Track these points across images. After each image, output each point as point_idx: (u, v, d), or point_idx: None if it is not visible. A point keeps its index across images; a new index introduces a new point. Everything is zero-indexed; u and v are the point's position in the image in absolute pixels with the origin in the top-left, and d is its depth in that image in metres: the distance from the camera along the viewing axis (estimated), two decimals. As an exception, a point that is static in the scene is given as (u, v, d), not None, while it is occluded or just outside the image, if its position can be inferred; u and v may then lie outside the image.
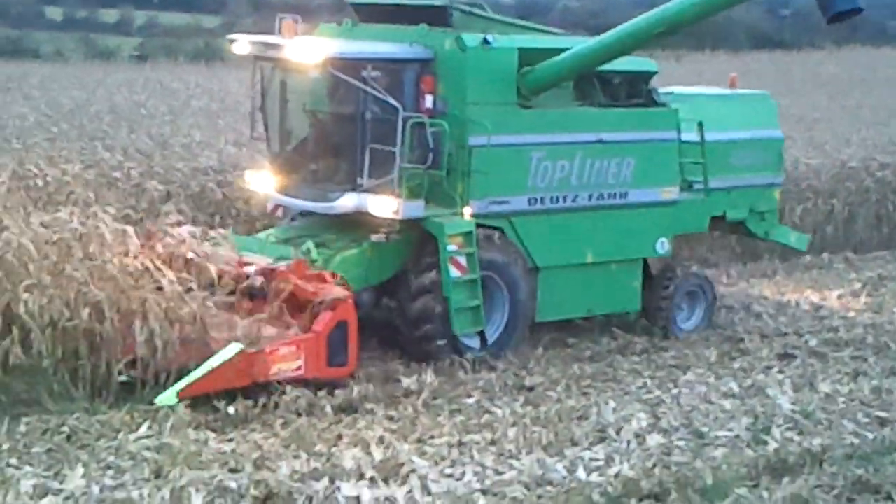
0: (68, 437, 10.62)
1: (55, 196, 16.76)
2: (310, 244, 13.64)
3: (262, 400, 11.84)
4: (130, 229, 12.62)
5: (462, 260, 13.60)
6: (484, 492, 10.04)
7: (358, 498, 9.76)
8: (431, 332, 13.59)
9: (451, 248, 13.54)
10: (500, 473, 10.48)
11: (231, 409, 11.53)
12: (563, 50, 14.28)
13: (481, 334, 13.91)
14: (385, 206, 13.61)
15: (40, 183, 16.96)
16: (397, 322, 13.86)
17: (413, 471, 10.34)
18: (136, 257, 12.06)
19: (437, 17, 14.42)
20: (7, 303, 11.20)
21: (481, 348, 13.89)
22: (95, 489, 9.54)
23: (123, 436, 10.70)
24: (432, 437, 11.28)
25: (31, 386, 11.17)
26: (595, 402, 12.57)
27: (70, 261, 11.71)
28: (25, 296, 11.23)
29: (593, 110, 15.04)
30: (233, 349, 11.67)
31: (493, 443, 11.21)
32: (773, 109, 17.44)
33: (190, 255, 12.46)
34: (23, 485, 9.48)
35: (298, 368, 12.13)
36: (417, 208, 13.68)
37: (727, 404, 12.63)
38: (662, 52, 53.69)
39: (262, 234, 14.90)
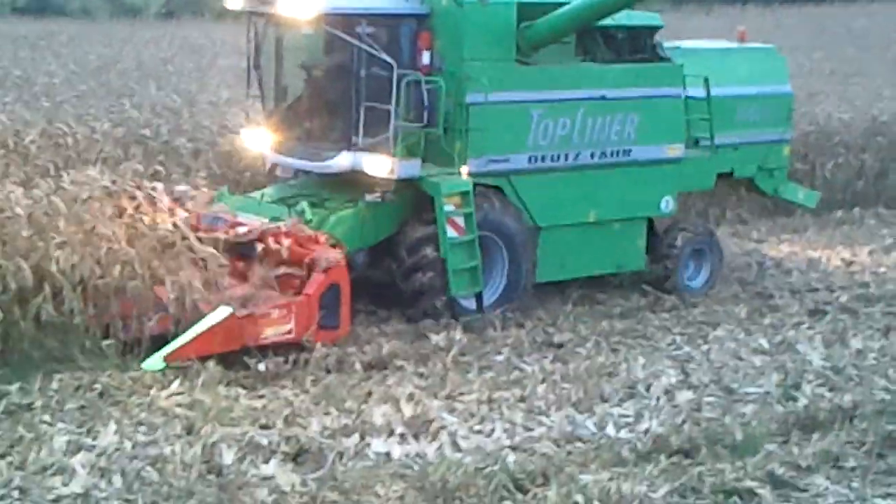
0: (101, 394, 10.69)
1: (84, 154, 16.83)
2: (304, 204, 13.45)
3: (292, 356, 11.91)
4: (160, 186, 12.70)
5: (459, 220, 13.36)
6: (513, 448, 10.08)
7: (388, 454, 9.83)
8: (428, 292, 13.37)
9: (449, 208, 13.28)
10: (529, 430, 10.54)
11: (262, 366, 11.60)
12: (563, 4, 14.00)
13: (478, 296, 13.66)
14: (380, 165, 13.36)
15: (70, 141, 17.02)
16: (395, 282, 13.60)
17: (443, 427, 10.40)
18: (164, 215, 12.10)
19: None
20: (38, 260, 11.26)
21: (478, 310, 13.64)
22: (128, 445, 9.63)
23: (155, 392, 10.77)
24: (462, 394, 11.32)
25: (64, 343, 11.24)
26: (624, 359, 12.59)
27: (101, 219, 11.77)
28: (57, 253, 11.28)
29: (595, 66, 14.76)
30: (222, 312, 11.49)
31: (522, 399, 11.25)
32: (781, 64, 17.11)
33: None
34: (56, 441, 9.58)
35: (289, 332, 11.96)
36: (413, 167, 13.43)
37: (757, 360, 12.64)
38: (692, 6, 53.39)
39: (256, 193, 14.61)
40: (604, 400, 11.33)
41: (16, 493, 8.70)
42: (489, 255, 13.83)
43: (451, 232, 13.29)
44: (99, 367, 11.10)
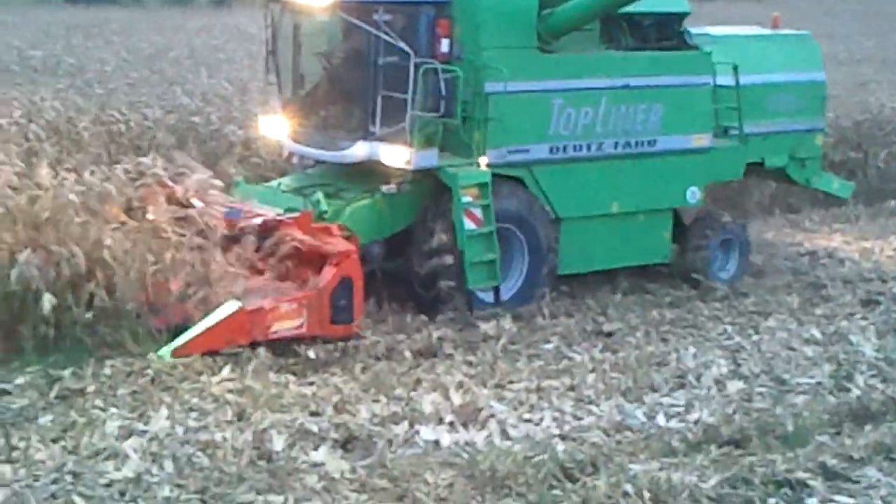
0: (152, 380, 10.73)
1: (136, 141, 16.94)
2: (319, 195, 13.09)
3: (341, 344, 11.94)
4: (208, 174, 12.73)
5: (477, 212, 13.04)
6: (563, 437, 10.05)
7: (437, 442, 9.83)
8: (444, 285, 13.13)
9: (466, 199, 12.96)
10: (578, 419, 10.50)
11: (311, 353, 11.63)
12: None
13: (496, 289, 13.37)
14: (397, 155, 13.07)
15: (122, 128, 17.13)
16: (410, 274, 13.34)
17: (492, 415, 10.38)
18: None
19: None
20: (91, 246, 11.34)
21: (495, 303, 13.35)
22: (179, 430, 9.68)
23: (206, 378, 10.82)
24: (511, 382, 11.29)
25: (116, 329, 11.32)
26: (674, 348, 12.51)
27: (153, 206, 11.82)
28: (109, 240, 11.38)
29: (619, 54, 14.42)
30: (231, 307, 11.34)
31: (571, 388, 11.20)
32: (815, 51, 16.49)
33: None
34: (108, 426, 9.65)
35: (300, 326, 11.72)
36: (430, 158, 13.13)
37: (809, 351, 12.52)
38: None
39: (274, 183, 14.44)
40: (654, 389, 11.27)
41: (69, 478, 8.76)
42: (509, 248, 13.58)
43: (468, 224, 13.00)
44: (150, 353, 11.17)
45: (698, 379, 11.56)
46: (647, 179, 14.53)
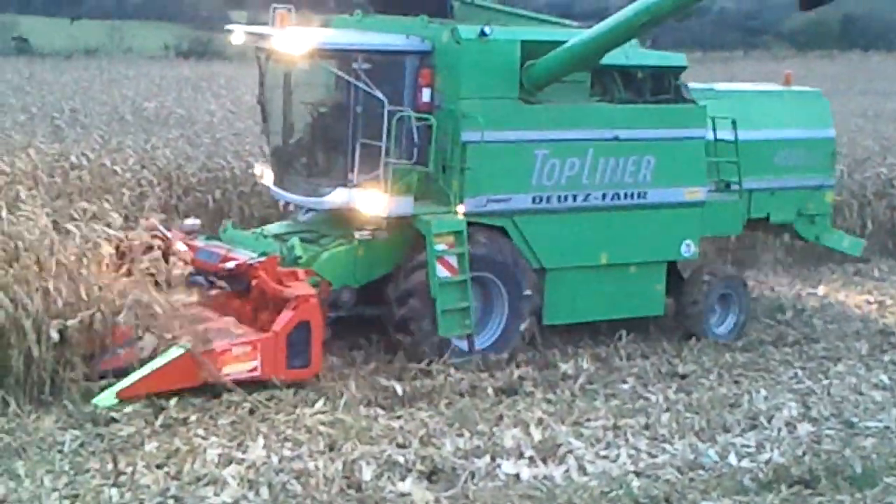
0: (251, 411, 10.86)
1: (241, 187, 17.16)
2: (295, 240, 12.74)
3: (428, 381, 11.96)
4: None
5: (452, 260, 12.42)
6: (637, 474, 9.96)
7: (517, 475, 9.78)
8: (416, 333, 12.50)
9: (440, 247, 12.35)
10: (653, 457, 10.40)
11: (399, 389, 11.65)
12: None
13: (469, 337, 12.67)
14: (373, 202, 12.55)
15: (227, 175, 17.36)
16: (387, 320, 12.76)
17: (570, 451, 10.31)
18: None
19: (438, 8, 13.36)
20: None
21: (470, 351, 12.67)
22: (275, 459, 9.76)
23: (300, 411, 10.91)
24: (588, 420, 11.22)
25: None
26: (747, 391, 12.36)
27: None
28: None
29: (607, 106, 13.66)
30: (176, 351, 10.89)
31: (646, 427, 11.11)
32: (824, 107, 15.63)
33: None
34: (209, 454, 9.76)
35: (254, 369, 11.22)
36: (406, 205, 12.57)
37: (877, 395, 12.31)
38: (818, 52, 52.54)
39: (267, 228, 13.92)
40: (726, 430, 11.13)
41: (171, 502, 8.87)
42: (489, 296, 13.04)
43: (442, 271, 12.38)
44: (248, 388, 11.23)
45: (769, 421, 11.40)
46: (637, 231, 13.77)
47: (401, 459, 9.84)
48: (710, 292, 14.39)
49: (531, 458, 10.12)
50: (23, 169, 15.74)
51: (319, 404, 11.08)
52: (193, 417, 10.60)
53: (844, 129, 24.40)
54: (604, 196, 13.49)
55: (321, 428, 10.49)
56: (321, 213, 13.57)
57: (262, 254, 12.41)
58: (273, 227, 13.88)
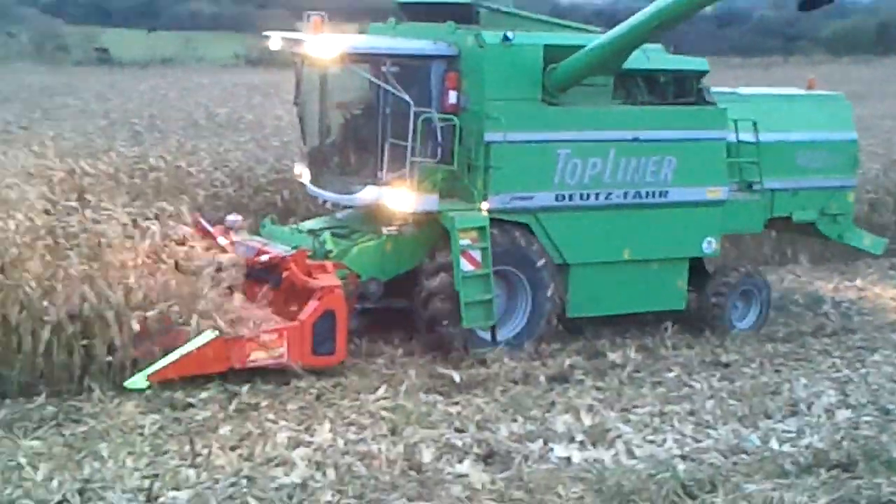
0: (317, 397, 10.94)
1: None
2: (326, 235, 12.88)
3: (484, 369, 11.97)
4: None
5: (476, 254, 12.40)
6: (683, 457, 9.92)
7: (569, 459, 9.78)
8: (442, 323, 12.46)
9: (465, 242, 12.32)
10: (698, 441, 10.35)
11: (456, 377, 11.66)
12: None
13: (492, 328, 12.60)
14: (400, 199, 12.60)
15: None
16: (414, 313, 12.76)
17: (619, 436, 10.30)
18: None
19: (465, 14, 13.32)
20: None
21: (492, 342, 12.61)
22: (340, 442, 9.82)
23: (364, 397, 10.97)
24: (636, 407, 11.20)
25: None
26: (787, 379, 12.26)
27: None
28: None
29: (628, 108, 13.55)
30: (207, 336, 10.86)
31: (691, 413, 11.06)
32: (847, 111, 15.38)
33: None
34: (279, 437, 9.84)
35: (281, 356, 11.20)
36: (431, 202, 12.57)
37: (913, 384, 12.17)
38: (850, 57, 51.87)
39: (303, 223, 13.99)
40: (767, 416, 11.05)
41: (244, 482, 8.94)
42: (514, 289, 12.96)
43: (466, 265, 12.34)
44: (315, 374, 11.32)
45: (809, 407, 11.30)
46: (659, 228, 13.63)
47: (458, 443, 9.88)
48: (733, 287, 14.26)
49: (581, 443, 10.11)
50: (105, 171, 15.95)
51: (382, 391, 11.13)
52: (264, 403, 10.68)
53: (880, 131, 24.22)
54: (625, 194, 13.39)
55: (384, 413, 10.55)
56: (355, 210, 13.68)
57: (294, 247, 12.51)
58: (309, 223, 13.97)
